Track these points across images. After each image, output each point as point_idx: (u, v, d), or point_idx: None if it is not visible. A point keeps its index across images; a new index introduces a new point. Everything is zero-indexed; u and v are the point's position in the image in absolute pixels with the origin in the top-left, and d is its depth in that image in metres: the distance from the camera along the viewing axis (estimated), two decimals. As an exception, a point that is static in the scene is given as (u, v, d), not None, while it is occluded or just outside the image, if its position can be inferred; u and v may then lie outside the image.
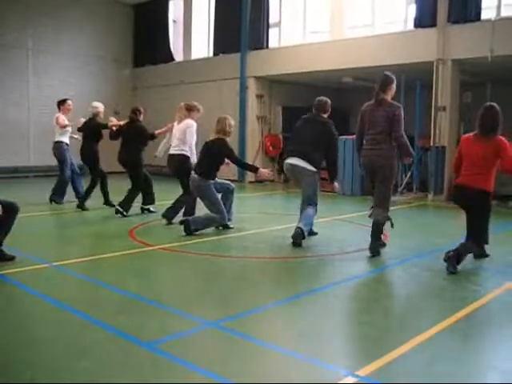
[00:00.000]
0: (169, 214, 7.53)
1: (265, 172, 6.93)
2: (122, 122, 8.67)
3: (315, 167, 6.42)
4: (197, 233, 6.74)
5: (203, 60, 16.24)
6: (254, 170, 7.07)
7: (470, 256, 5.35)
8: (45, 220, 8.22)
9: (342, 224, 7.78)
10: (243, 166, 7.56)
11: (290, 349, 3.29)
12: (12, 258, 5.26)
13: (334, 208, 9.99)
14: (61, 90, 16.09)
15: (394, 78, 5.89)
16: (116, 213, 8.07)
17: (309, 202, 6.43)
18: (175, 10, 17.61)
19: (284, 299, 4.33)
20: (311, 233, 6.61)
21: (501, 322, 3.91)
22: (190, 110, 7.77)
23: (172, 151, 7.74)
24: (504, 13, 10.86)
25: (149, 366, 3.02)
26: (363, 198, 11.05)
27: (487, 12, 10.87)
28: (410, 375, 2.98)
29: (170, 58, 17.13)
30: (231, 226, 7.17)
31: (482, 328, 3.79)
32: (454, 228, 7.89)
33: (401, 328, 3.80)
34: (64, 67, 16.31)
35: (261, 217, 8.53)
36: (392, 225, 5.97)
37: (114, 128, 8.64)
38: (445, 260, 5.11)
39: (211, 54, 16.08)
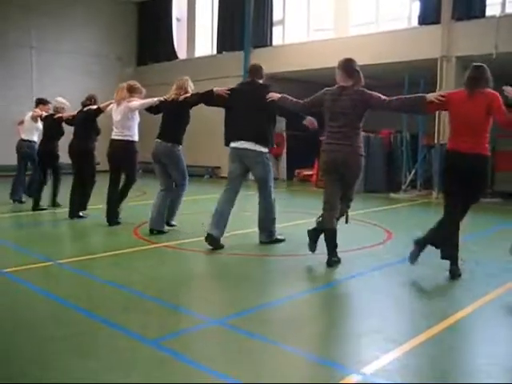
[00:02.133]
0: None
1: (220, 90, 6.20)
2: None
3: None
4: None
5: (207, 58, 16.26)
6: (210, 93, 6.25)
7: (472, 256, 5.32)
8: (48, 218, 8.23)
9: (341, 222, 7.77)
10: (201, 97, 6.42)
11: (294, 347, 3.29)
12: None
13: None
14: (64, 88, 16.13)
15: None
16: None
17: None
18: (179, 8, 17.63)
19: (288, 296, 4.33)
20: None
21: (502, 322, 3.90)
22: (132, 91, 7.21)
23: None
24: (509, 9, 10.85)
25: (153, 363, 3.02)
26: (361, 195, 11.02)
27: (492, 9, 10.84)
28: (414, 373, 2.98)
29: (173, 55, 17.16)
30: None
31: (486, 326, 3.78)
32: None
33: (403, 326, 3.80)
34: (67, 66, 16.34)
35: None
36: (347, 221, 5.60)
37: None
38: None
39: (215, 52, 16.10)
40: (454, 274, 4.81)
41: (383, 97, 5.12)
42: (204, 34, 16.83)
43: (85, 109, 8.02)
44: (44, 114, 9.08)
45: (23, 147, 9.47)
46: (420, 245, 5.01)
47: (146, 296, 4.23)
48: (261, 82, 6.15)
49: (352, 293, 4.63)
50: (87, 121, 7.88)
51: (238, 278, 4.97)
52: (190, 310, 3.97)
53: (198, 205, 8.90)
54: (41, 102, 9.42)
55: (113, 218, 7.27)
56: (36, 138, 9.48)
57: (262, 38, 14.55)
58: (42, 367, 2.98)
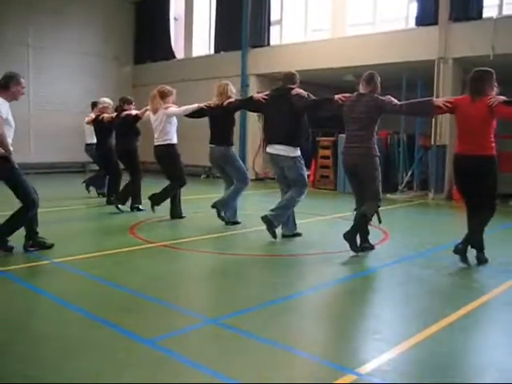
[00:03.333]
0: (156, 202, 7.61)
1: (259, 96, 6.64)
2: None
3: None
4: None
5: (204, 57, 16.25)
6: (250, 99, 6.90)
7: (473, 253, 5.33)
8: (43, 217, 8.20)
9: (344, 222, 7.78)
10: (242, 102, 7.23)
11: (290, 346, 3.29)
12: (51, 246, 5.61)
13: (334, 206, 9.99)
14: (61, 87, 16.11)
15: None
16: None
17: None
18: (176, 7, 17.61)
19: (285, 296, 4.33)
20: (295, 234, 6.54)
21: (503, 320, 3.91)
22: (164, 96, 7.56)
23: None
24: (506, 11, 10.86)
25: (149, 363, 3.02)
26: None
27: (489, 10, 10.86)
28: (411, 373, 2.98)
29: (170, 55, 17.13)
30: (239, 220, 7.27)
31: (484, 325, 3.79)
32: (454, 226, 7.89)
33: (401, 326, 3.80)
34: (64, 64, 16.29)
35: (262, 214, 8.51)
36: (380, 221, 5.81)
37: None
38: (455, 252, 5.16)
39: (212, 52, 16.08)
40: (480, 260, 5.24)
41: (395, 101, 5.52)
42: (201, 33, 16.82)
43: (123, 114, 8.33)
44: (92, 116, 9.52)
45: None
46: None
47: (143, 295, 4.23)
48: (291, 86, 6.31)
49: (349, 293, 4.63)
50: (126, 126, 8.25)
51: (235, 277, 4.98)
52: (186, 309, 3.97)
53: (192, 204, 8.86)
54: (94, 105, 10.04)
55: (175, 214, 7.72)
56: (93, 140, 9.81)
57: (260, 38, 14.54)
58: (35, 366, 2.97)
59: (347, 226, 5.66)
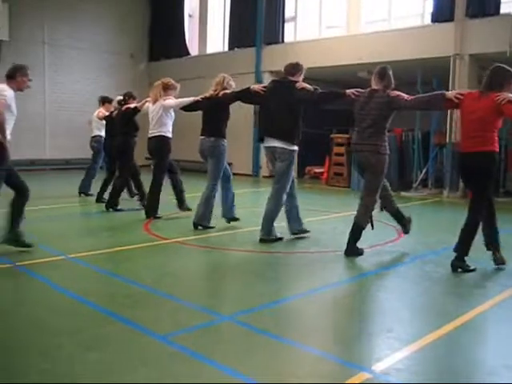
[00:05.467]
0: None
1: (257, 87, 6.39)
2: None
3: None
4: (212, 226, 6.78)
5: (218, 54, 16.24)
6: (246, 90, 6.42)
7: (484, 255, 5.28)
8: (59, 213, 8.28)
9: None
10: (238, 94, 6.61)
11: (305, 344, 3.29)
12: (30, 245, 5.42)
13: (348, 203, 9.94)
14: (77, 84, 16.22)
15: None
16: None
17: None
18: (191, 4, 17.64)
19: (300, 293, 4.33)
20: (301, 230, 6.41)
21: (517, 320, 3.88)
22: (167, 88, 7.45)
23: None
24: (524, 7, 10.71)
25: (163, 358, 3.03)
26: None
27: (506, 6, 10.73)
28: (424, 372, 2.97)
29: (185, 52, 17.16)
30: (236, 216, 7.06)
31: (498, 326, 3.75)
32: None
33: (415, 325, 3.78)
34: (80, 62, 16.40)
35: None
36: (372, 227, 5.73)
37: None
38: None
39: (226, 49, 16.08)
40: (496, 260, 5.11)
41: (406, 96, 5.41)
42: (216, 30, 16.83)
43: (123, 108, 8.28)
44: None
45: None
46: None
47: (157, 291, 4.25)
48: (292, 78, 6.08)
49: (362, 291, 4.61)
50: (125, 119, 8.15)
51: (249, 274, 4.98)
52: (200, 305, 3.98)
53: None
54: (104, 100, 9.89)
55: (151, 211, 7.52)
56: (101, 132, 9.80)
57: (274, 35, 14.51)
58: (48, 360, 3.00)
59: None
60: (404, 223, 6.00)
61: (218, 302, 4.23)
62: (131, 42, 17.71)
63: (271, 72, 14.73)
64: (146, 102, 7.85)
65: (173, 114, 7.53)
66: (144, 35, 18.19)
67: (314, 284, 4.68)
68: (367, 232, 5.66)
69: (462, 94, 5.09)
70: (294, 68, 6.13)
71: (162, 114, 7.34)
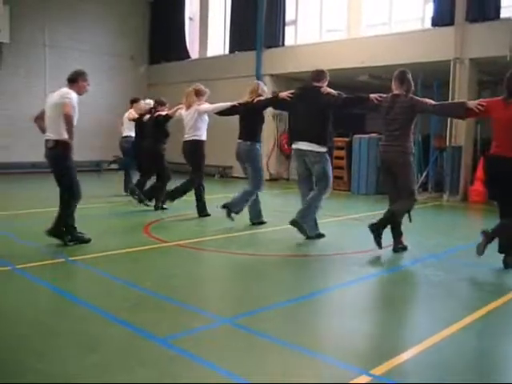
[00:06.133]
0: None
1: (284, 94, 6.68)
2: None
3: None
4: (233, 216, 7.00)
5: (219, 57, 16.26)
6: (276, 97, 6.93)
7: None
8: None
9: (356, 224, 7.75)
10: (269, 101, 7.16)
11: (304, 346, 3.29)
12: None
13: (349, 207, 9.95)
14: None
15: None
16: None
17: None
18: (191, 7, 17.66)
19: (299, 297, 4.32)
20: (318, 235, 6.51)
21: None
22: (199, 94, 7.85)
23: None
24: (524, 12, 10.73)
25: (162, 361, 3.03)
26: (379, 196, 10.97)
27: (506, 10, 10.74)
28: (425, 375, 2.96)
29: (185, 55, 17.18)
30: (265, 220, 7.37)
31: (498, 329, 3.75)
32: (469, 228, 7.83)
33: (416, 328, 3.78)
34: (80, 64, 16.28)
35: (276, 214, 8.51)
36: (410, 220, 5.90)
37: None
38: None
39: (227, 52, 16.10)
40: (507, 264, 5.17)
41: (429, 102, 5.67)
42: (216, 33, 16.85)
43: (154, 115, 8.60)
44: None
45: None
46: (487, 236, 5.12)
47: (157, 294, 4.25)
48: (317, 84, 6.39)
49: (363, 294, 4.61)
50: (157, 126, 8.48)
51: (249, 277, 4.98)
52: (200, 308, 3.98)
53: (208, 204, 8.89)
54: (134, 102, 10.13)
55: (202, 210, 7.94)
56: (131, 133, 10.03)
57: (275, 38, 14.53)
58: (43, 360, 3.00)
59: (360, 227, 5.64)
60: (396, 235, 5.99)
61: (218, 305, 4.23)
62: (131, 44, 17.73)
63: (271, 75, 14.77)
64: (178, 109, 8.21)
65: (207, 118, 7.86)
66: (144, 38, 18.22)
67: (315, 287, 4.67)
68: (367, 235, 5.67)
69: (482, 105, 5.25)
70: (319, 75, 6.50)
71: (196, 119, 7.74)
